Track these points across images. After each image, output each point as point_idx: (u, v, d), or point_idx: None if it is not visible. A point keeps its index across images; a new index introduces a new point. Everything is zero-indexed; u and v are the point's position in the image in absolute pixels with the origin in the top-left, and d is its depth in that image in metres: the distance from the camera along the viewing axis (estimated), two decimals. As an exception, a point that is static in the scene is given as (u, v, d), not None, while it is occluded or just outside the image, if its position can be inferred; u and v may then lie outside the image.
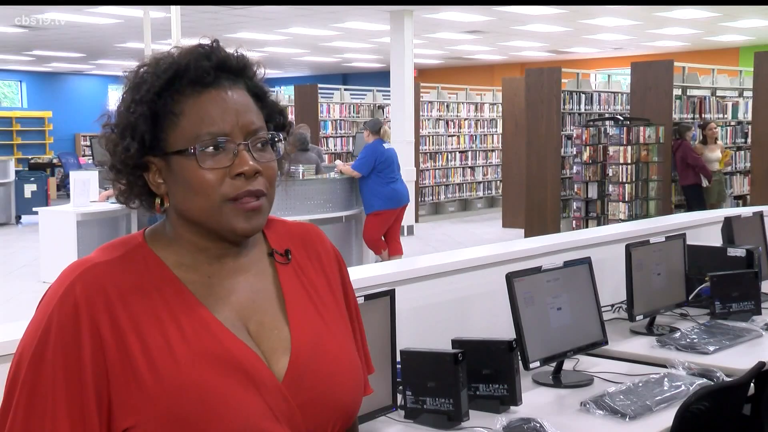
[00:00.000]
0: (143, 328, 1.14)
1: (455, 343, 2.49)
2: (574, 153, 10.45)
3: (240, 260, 1.25)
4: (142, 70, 1.20)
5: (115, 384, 1.12)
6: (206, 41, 1.23)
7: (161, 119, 1.18)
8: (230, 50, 1.24)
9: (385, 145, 8.24)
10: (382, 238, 8.34)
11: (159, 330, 1.15)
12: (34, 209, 9.83)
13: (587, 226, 9.94)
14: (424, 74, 21.82)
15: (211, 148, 1.17)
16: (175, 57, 1.20)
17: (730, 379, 2.48)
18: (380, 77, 18.72)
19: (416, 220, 12.96)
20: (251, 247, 1.27)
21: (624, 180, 9.86)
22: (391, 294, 2.35)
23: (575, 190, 10.48)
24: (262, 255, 1.29)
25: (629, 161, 9.82)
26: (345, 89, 15.68)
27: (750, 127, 11.03)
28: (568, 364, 2.82)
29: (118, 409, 1.12)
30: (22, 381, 1.12)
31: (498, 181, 15.00)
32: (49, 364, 1.11)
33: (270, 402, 1.16)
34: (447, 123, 14.77)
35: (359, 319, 1.38)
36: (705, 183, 10.11)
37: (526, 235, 10.62)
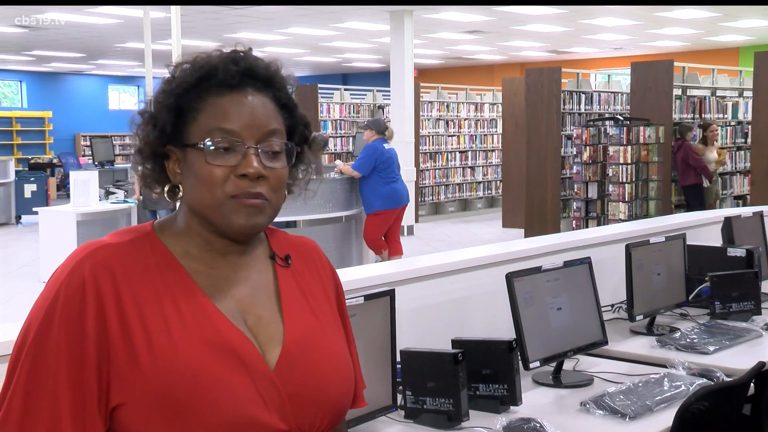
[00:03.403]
0: (144, 309, 1.19)
1: (455, 343, 2.49)
2: (574, 153, 10.45)
3: (243, 257, 1.30)
4: (183, 65, 1.28)
5: (115, 361, 1.17)
6: (242, 48, 1.30)
7: (184, 113, 1.25)
8: (265, 61, 1.30)
9: (386, 146, 8.23)
10: (383, 238, 8.33)
11: (159, 312, 1.19)
12: (34, 209, 9.82)
13: (587, 226, 9.94)
14: (424, 74, 21.82)
15: (221, 147, 1.23)
16: (211, 58, 1.27)
17: (730, 379, 2.48)
18: (380, 77, 18.72)
19: (416, 220, 12.95)
20: (255, 248, 1.33)
21: (624, 180, 9.85)
22: (391, 294, 2.35)
23: (575, 190, 10.48)
24: (264, 256, 1.34)
25: (629, 161, 9.82)
26: (345, 89, 15.66)
27: (750, 127, 11.02)
28: (568, 364, 2.82)
29: (114, 385, 1.16)
30: (27, 350, 1.17)
31: (498, 181, 14.99)
32: (54, 335, 1.16)
33: (260, 388, 1.20)
34: (447, 123, 14.76)
35: (352, 337, 1.42)
36: (706, 183, 10.11)
37: (526, 235, 10.62)
